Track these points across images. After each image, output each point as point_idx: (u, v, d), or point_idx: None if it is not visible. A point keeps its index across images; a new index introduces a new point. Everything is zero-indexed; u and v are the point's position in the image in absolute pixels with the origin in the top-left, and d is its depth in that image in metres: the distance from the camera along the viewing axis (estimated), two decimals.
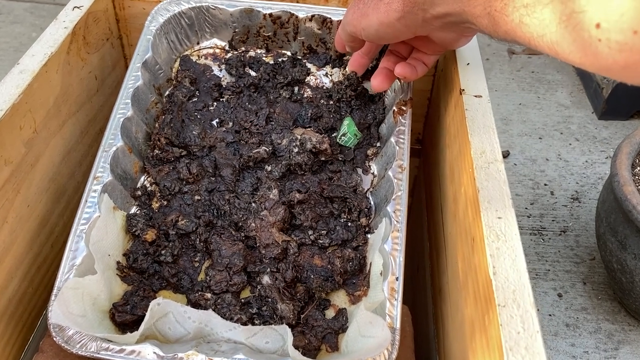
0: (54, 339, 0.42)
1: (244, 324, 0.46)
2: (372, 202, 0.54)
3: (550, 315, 0.99)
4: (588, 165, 1.26)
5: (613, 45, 0.27)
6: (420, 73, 0.53)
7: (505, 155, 1.28)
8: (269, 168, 0.55)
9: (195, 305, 0.48)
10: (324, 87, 0.62)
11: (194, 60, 0.64)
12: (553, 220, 1.14)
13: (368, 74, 0.61)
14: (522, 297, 0.35)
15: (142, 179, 0.56)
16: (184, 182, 0.55)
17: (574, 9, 0.28)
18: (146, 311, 0.43)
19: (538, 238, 1.11)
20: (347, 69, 0.60)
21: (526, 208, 1.17)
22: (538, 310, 0.98)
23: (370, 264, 0.49)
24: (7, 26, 1.62)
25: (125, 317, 0.46)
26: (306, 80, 0.63)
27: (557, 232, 1.12)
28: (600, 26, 0.27)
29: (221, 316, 0.45)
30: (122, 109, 0.55)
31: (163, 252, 0.50)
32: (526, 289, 0.36)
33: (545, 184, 1.22)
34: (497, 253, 0.38)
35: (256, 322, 0.47)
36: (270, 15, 0.63)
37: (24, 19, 1.66)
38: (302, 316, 0.47)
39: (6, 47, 1.54)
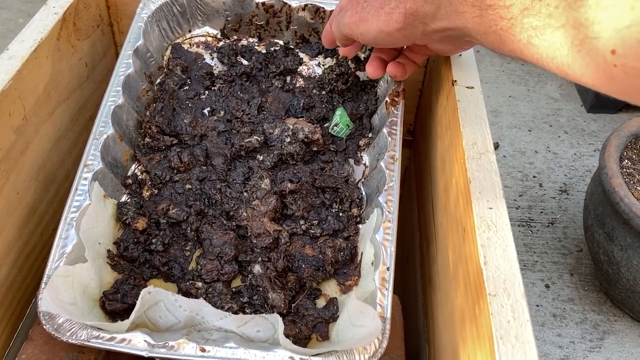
0: (44, 327, 0.42)
1: (235, 312, 0.46)
2: (363, 193, 0.54)
3: (537, 305, 1.00)
4: (576, 158, 1.27)
5: (630, 71, 0.27)
6: (410, 72, 0.54)
7: (495, 147, 1.28)
8: (261, 157, 0.55)
9: (186, 294, 0.48)
10: (316, 77, 0.62)
11: (185, 49, 0.64)
12: (541, 212, 1.15)
13: (361, 63, 0.61)
14: (513, 286, 0.36)
15: (132, 167, 0.55)
16: (175, 171, 0.54)
17: (588, 35, 0.28)
18: (137, 300, 0.42)
19: (526, 230, 1.12)
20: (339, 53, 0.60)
21: (515, 200, 1.18)
22: None
23: (362, 253, 0.49)
24: None
25: (116, 306, 0.46)
26: (298, 69, 0.63)
27: (546, 224, 1.13)
28: (616, 52, 0.27)
29: (212, 305, 0.45)
30: (113, 97, 0.54)
31: (154, 240, 0.50)
32: (516, 278, 0.36)
33: (534, 176, 1.23)
34: (488, 243, 0.38)
35: (247, 311, 0.47)
36: (263, 4, 0.62)
37: (10, 5, 1.63)
38: (293, 305, 0.48)
39: None
